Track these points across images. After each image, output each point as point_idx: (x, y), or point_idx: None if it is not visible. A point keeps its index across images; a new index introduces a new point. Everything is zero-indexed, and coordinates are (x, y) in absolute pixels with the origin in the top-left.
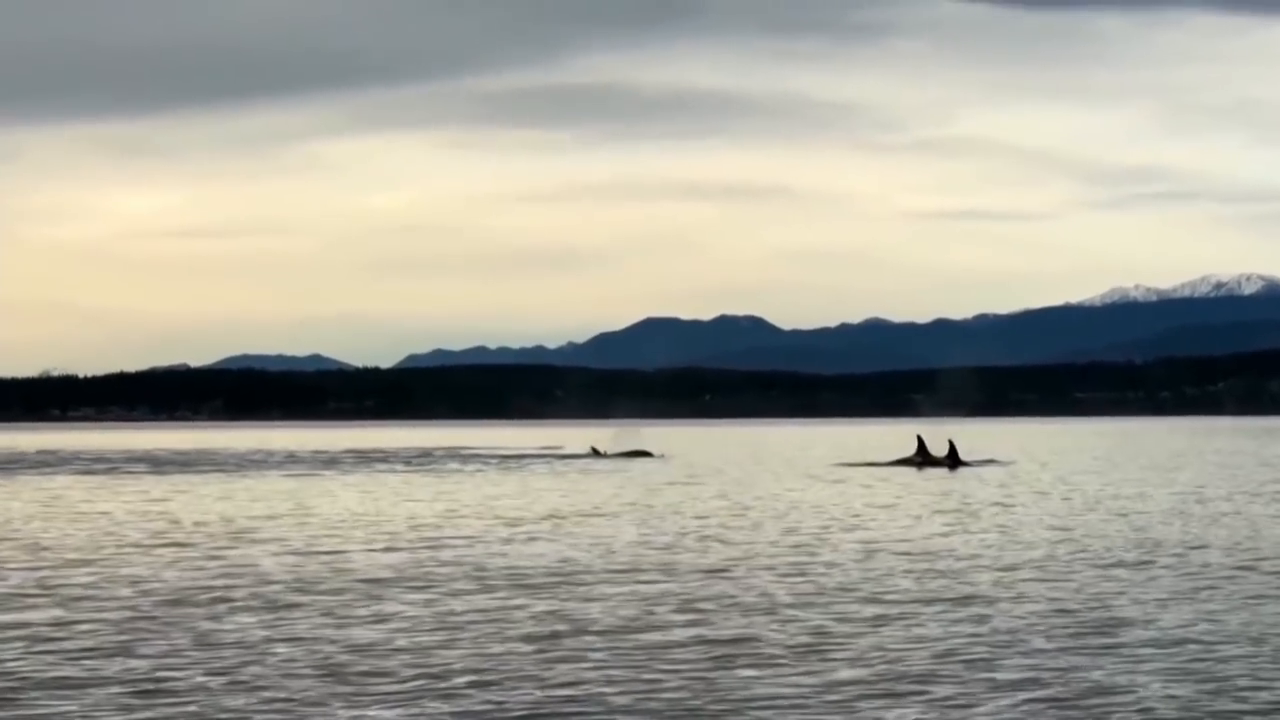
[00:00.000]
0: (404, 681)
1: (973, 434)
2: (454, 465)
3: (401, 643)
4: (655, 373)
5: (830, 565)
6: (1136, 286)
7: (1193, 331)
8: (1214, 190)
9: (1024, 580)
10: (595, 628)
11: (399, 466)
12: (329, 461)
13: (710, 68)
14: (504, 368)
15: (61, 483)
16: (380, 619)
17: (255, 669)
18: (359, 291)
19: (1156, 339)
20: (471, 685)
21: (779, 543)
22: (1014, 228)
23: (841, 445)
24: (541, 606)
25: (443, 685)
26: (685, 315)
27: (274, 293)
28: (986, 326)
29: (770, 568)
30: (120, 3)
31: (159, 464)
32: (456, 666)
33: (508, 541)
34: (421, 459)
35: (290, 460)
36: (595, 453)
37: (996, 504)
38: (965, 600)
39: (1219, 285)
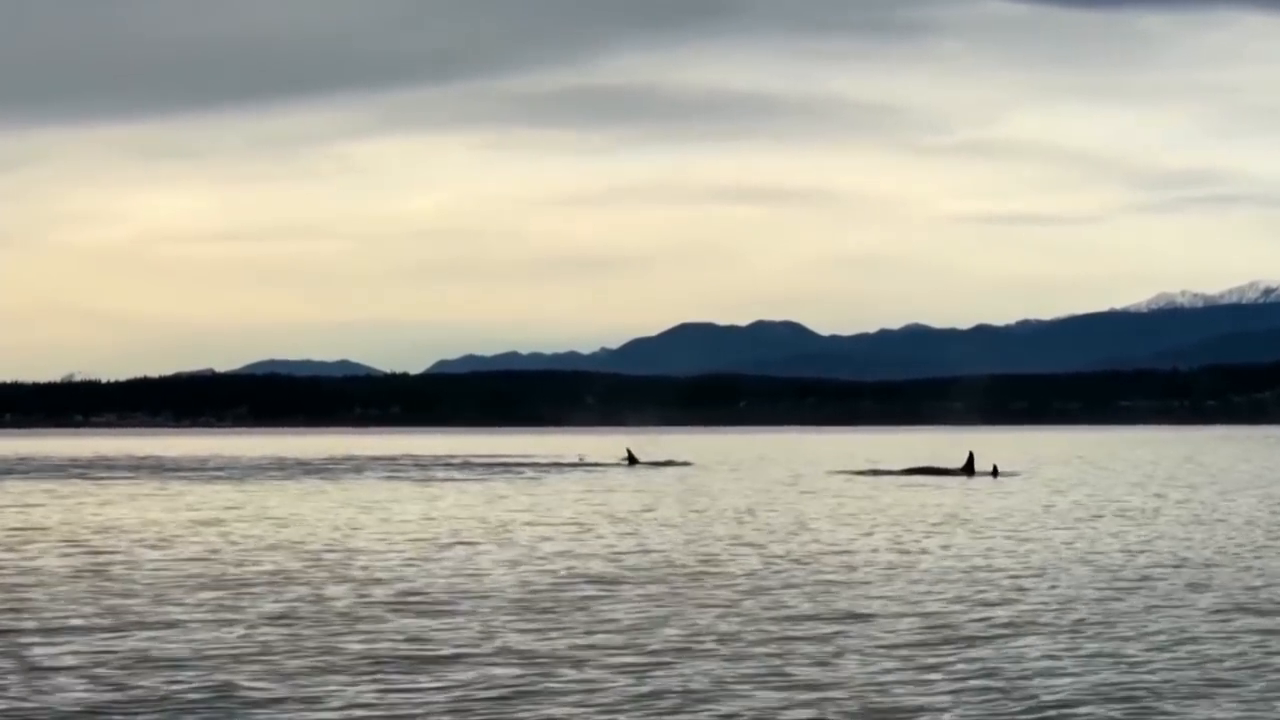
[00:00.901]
0: None
1: (998, 443)
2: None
3: None
4: (688, 379)
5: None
6: (1183, 293)
7: (1240, 338)
8: (1263, 194)
9: None
10: None
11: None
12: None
13: (747, 68)
14: (533, 374)
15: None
16: None
17: None
18: (390, 296)
19: (1203, 346)
20: None
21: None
22: (1058, 232)
23: (858, 452)
24: None
25: None
26: (721, 321)
27: (303, 297)
28: (1029, 333)
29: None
30: (147, 2)
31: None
32: None
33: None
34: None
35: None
36: (631, 459)
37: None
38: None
39: (1268, 291)
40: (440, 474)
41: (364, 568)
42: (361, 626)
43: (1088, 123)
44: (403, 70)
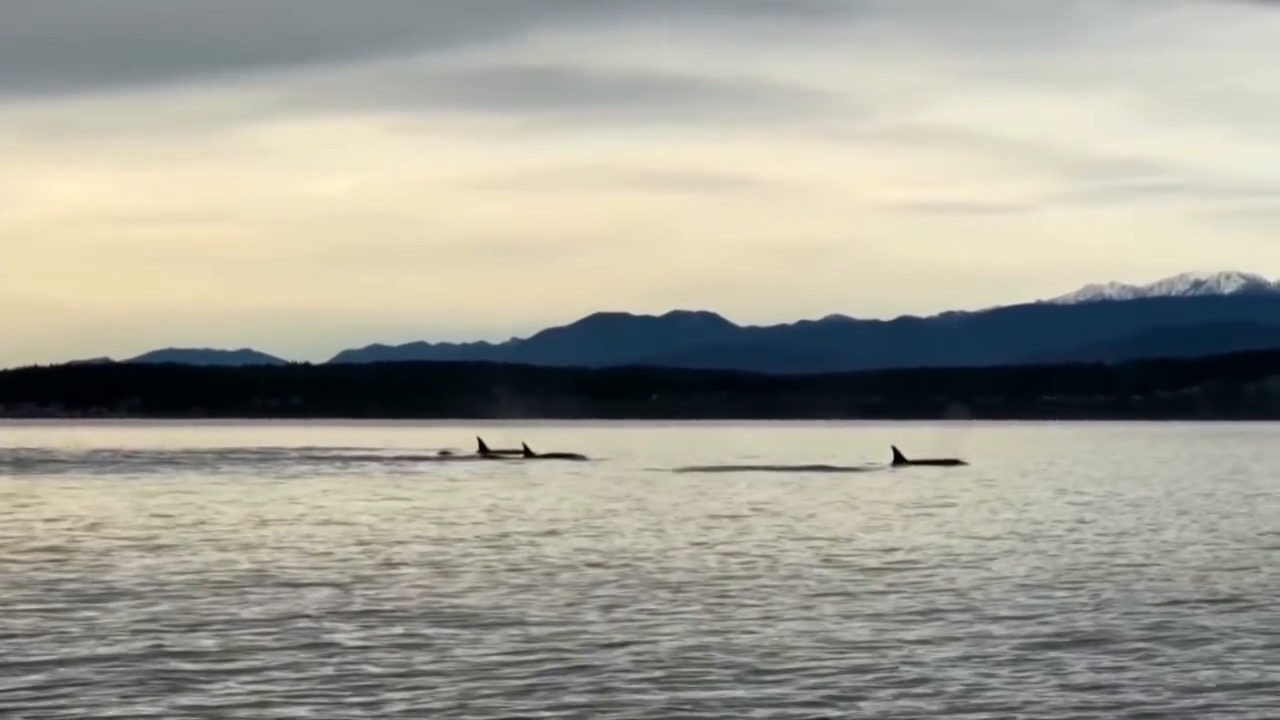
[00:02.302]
0: None
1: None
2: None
3: None
4: (599, 371)
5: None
6: (1112, 284)
7: (1169, 332)
8: (1196, 184)
9: None
10: None
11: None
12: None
13: (669, 50)
14: (440, 365)
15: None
16: None
17: None
18: (297, 283)
19: (1131, 339)
20: None
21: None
22: (985, 221)
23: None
24: None
25: None
26: (636, 311)
27: (207, 283)
28: (953, 325)
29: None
30: None
31: None
32: None
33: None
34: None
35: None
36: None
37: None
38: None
39: (1197, 284)
40: (262, 469)
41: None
42: None
43: (1016, 108)
44: (313, 49)
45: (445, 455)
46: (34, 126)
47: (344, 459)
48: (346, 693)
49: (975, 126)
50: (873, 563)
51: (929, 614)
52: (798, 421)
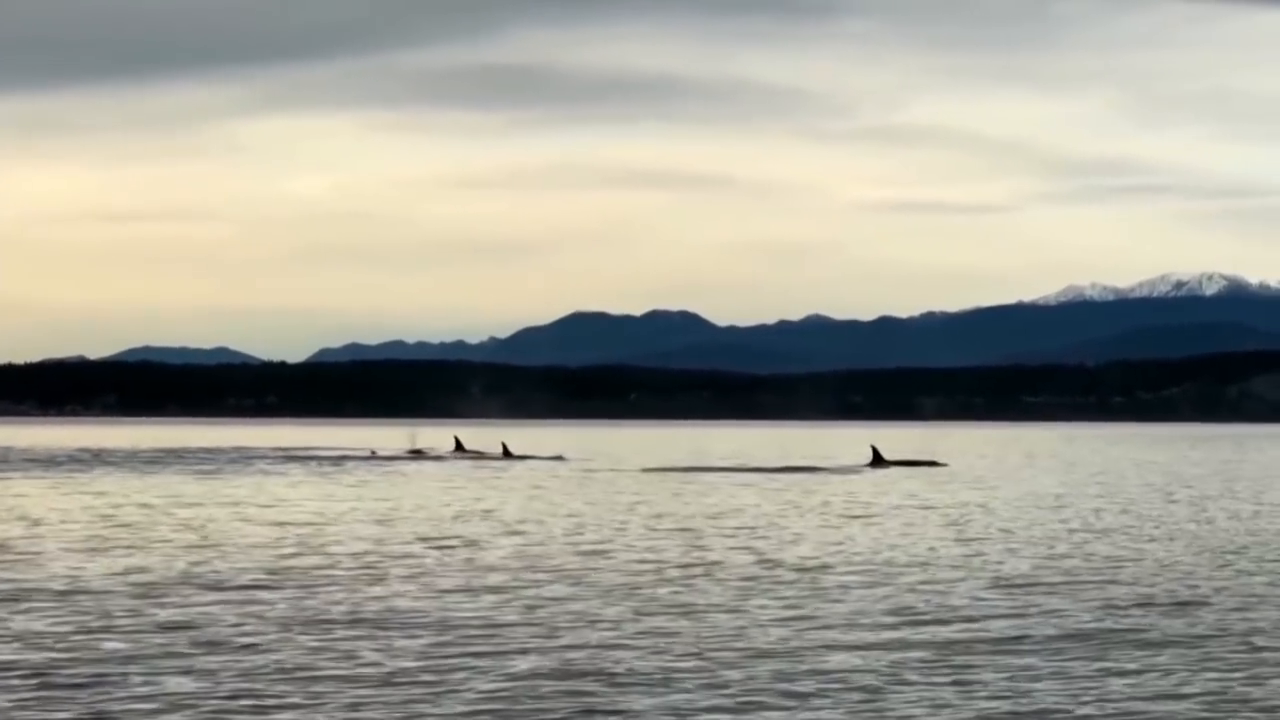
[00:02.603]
0: None
1: (894, 439)
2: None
3: None
4: (578, 371)
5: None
6: (1093, 285)
7: (1151, 333)
8: (1178, 185)
9: None
10: None
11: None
12: None
13: (650, 48)
14: (417, 364)
15: None
16: None
17: None
18: (274, 282)
19: (1113, 341)
20: None
21: None
22: (966, 221)
23: (723, 449)
24: None
25: None
26: (615, 310)
27: (183, 281)
28: (934, 325)
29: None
30: None
31: None
32: None
33: None
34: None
35: None
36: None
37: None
38: None
39: (1179, 285)
40: (224, 468)
41: None
42: None
43: (998, 108)
44: (291, 45)
45: (418, 454)
46: (10, 122)
47: (309, 459)
48: (239, 696)
49: (957, 126)
50: (810, 565)
51: (851, 618)
52: (778, 421)
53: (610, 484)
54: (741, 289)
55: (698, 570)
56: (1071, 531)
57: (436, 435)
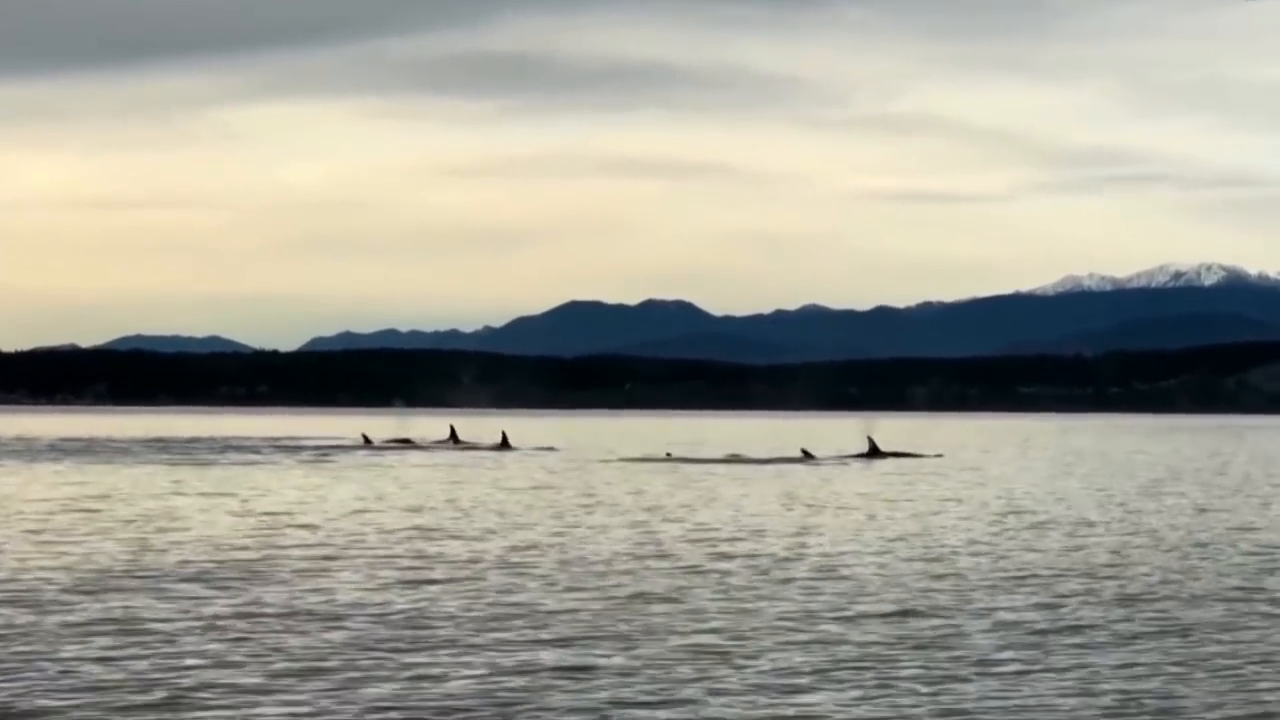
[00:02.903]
0: None
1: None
2: None
3: None
4: (572, 360)
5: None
6: (1091, 275)
7: (1148, 324)
8: (1176, 175)
9: None
10: None
11: None
12: None
13: (643, 36)
14: (411, 352)
15: None
16: None
17: None
18: (266, 270)
19: (1110, 331)
20: None
21: None
22: (963, 211)
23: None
24: None
25: None
26: (610, 299)
27: (176, 269)
28: (930, 316)
29: None
30: None
31: None
32: None
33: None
34: None
35: None
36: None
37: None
38: None
39: (1178, 275)
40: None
41: None
42: None
43: (995, 97)
44: (284, 33)
45: (407, 444)
46: (1, 109)
47: (294, 448)
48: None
49: (953, 115)
50: (755, 558)
51: (788, 613)
52: (773, 412)
53: (590, 475)
54: (738, 278)
55: (646, 559)
56: (1037, 525)
57: (430, 425)
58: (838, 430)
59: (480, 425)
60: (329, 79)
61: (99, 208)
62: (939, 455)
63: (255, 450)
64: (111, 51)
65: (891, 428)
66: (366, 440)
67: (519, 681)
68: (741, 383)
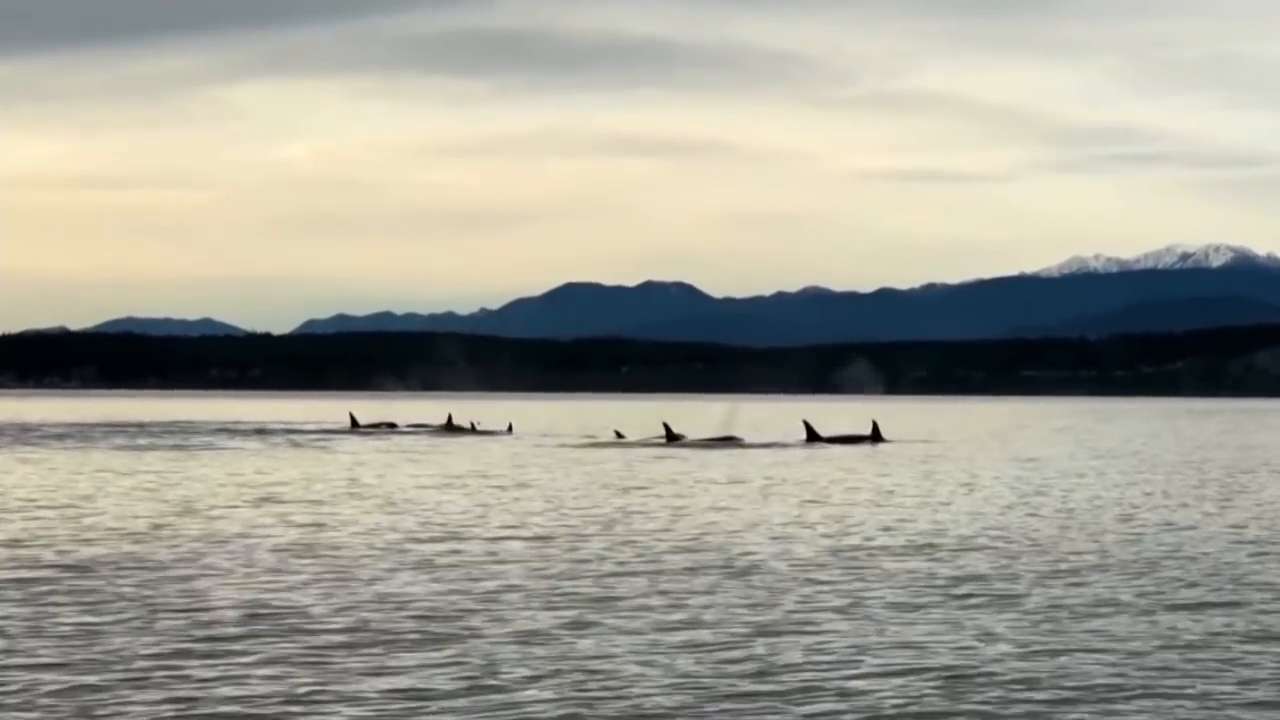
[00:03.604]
0: None
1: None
2: None
3: None
4: (570, 343)
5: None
6: (1097, 256)
7: (1155, 306)
8: (1184, 154)
9: None
10: None
11: None
12: None
13: (643, 12)
14: (406, 335)
15: None
16: None
17: None
18: (259, 250)
19: (1116, 313)
20: None
21: None
22: (968, 190)
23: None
24: None
25: None
26: (608, 281)
27: (167, 250)
28: (934, 298)
29: None
30: None
31: None
32: None
33: None
34: None
35: None
36: (472, 428)
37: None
38: None
39: (1185, 256)
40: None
41: None
42: None
43: (1000, 75)
44: (276, 10)
45: (393, 428)
46: None
47: (273, 432)
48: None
49: (958, 94)
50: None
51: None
52: (773, 396)
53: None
54: (738, 259)
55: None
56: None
57: (418, 408)
58: (822, 412)
59: (476, 409)
60: (322, 57)
61: (89, 187)
62: (881, 442)
63: (201, 434)
64: (100, 29)
65: (873, 412)
66: (354, 423)
67: None
68: (742, 365)
